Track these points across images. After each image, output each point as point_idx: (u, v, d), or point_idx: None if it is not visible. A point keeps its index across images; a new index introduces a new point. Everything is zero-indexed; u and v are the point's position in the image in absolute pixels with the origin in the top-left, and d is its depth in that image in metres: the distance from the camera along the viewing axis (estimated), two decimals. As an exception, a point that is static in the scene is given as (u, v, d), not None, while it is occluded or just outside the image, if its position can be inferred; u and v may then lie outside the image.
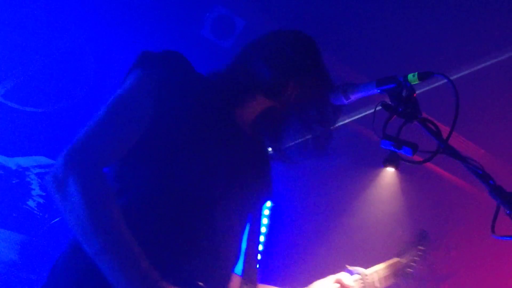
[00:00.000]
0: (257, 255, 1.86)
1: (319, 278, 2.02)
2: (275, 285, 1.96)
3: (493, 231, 1.39)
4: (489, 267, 4.70)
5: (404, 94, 1.54)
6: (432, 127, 1.53)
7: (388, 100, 1.58)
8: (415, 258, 2.22)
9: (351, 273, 1.98)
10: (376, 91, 1.62)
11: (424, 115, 1.54)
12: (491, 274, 4.71)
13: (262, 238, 5.20)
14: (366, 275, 1.97)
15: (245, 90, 1.79)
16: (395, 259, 2.14)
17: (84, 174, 1.43)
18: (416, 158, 1.54)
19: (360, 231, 4.79)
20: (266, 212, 5.31)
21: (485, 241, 4.06)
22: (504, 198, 1.36)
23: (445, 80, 1.55)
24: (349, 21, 3.77)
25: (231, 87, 1.78)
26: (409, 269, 2.18)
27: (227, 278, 1.71)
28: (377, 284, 1.99)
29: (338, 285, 1.91)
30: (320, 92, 1.78)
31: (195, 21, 3.89)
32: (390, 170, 4.77)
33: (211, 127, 1.69)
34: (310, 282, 1.98)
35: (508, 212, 1.35)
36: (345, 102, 1.71)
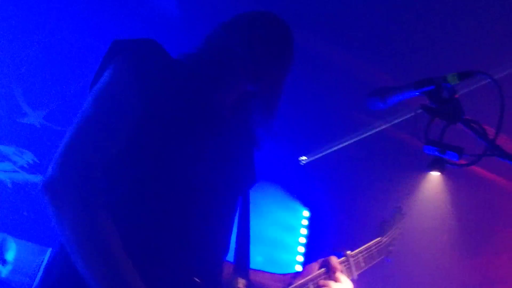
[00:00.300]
0: (248, 240, 1.84)
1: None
2: None
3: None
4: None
5: (444, 95, 1.50)
6: (477, 127, 1.48)
7: (427, 103, 1.54)
8: (395, 236, 2.31)
9: (337, 255, 2.00)
10: (415, 93, 1.58)
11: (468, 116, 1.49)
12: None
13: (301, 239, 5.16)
14: (352, 256, 2.01)
15: (224, 74, 1.78)
16: (378, 239, 2.19)
17: (77, 183, 1.38)
18: (461, 160, 1.50)
19: (408, 238, 4.68)
20: (305, 222, 5.27)
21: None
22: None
23: (488, 80, 1.50)
24: (380, 20, 3.72)
25: (209, 72, 1.76)
26: (391, 247, 2.26)
27: (220, 267, 1.69)
28: (362, 265, 2.03)
29: (323, 269, 1.91)
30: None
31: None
32: (435, 174, 4.68)
33: (193, 115, 1.66)
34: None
35: None
36: (383, 106, 1.68)
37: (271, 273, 1.95)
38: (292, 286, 1.84)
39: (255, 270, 1.88)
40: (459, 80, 1.51)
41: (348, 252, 2.02)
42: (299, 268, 5.12)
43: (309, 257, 5.16)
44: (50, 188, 1.38)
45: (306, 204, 5.28)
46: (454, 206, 4.75)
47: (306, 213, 5.28)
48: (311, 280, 1.85)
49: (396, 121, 4.21)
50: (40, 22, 3.75)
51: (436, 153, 1.48)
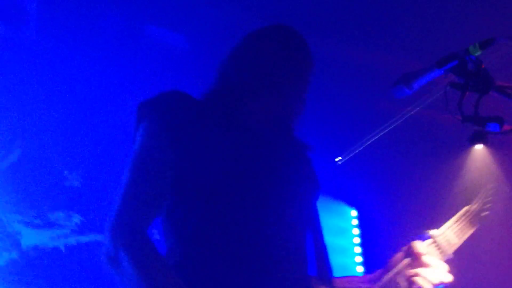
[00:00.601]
0: (325, 250, 1.80)
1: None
2: None
3: None
4: None
5: (470, 68, 1.47)
6: None
7: (455, 79, 1.51)
8: (487, 198, 2.04)
9: (421, 238, 1.84)
10: (440, 72, 1.54)
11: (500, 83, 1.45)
12: None
13: (358, 242, 5.09)
14: (438, 235, 1.84)
15: (247, 103, 1.78)
16: (464, 208, 1.98)
17: (132, 246, 1.45)
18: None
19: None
20: (355, 222, 5.21)
21: None
22: None
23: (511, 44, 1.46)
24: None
25: (232, 99, 1.77)
26: (484, 212, 2.01)
27: (305, 283, 1.67)
28: (454, 241, 1.85)
29: (408, 259, 1.78)
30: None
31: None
32: (479, 147, 4.56)
33: (239, 146, 1.66)
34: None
35: None
36: (410, 92, 1.64)
37: (354, 276, 1.90)
38: (381, 283, 1.76)
39: (338, 278, 1.84)
40: (482, 49, 1.48)
41: (433, 231, 1.86)
42: (360, 269, 5.06)
43: (368, 256, 5.09)
44: (110, 262, 1.47)
45: (352, 204, 5.23)
46: (505, 176, 4.63)
47: (353, 212, 5.23)
48: (398, 273, 1.76)
49: (426, 102, 4.15)
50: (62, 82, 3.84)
51: (476, 127, 1.45)
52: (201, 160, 1.60)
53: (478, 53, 1.48)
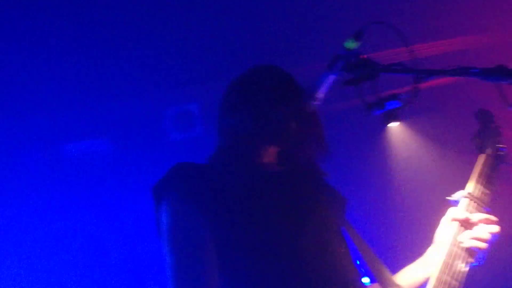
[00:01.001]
0: (375, 255, 1.81)
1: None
2: None
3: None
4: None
5: (354, 61, 1.55)
6: (399, 66, 1.54)
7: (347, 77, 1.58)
8: (497, 138, 2.00)
9: (456, 203, 1.84)
10: (334, 76, 1.61)
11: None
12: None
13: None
14: (471, 193, 1.83)
15: (251, 154, 1.79)
16: (481, 157, 1.96)
17: None
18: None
19: (395, 198, 4.72)
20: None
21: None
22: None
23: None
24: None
25: (240, 156, 1.77)
26: (500, 152, 1.98)
27: None
28: (488, 191, 1.85)
29: (457, 223, 1.77)
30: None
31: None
32: (395, 125, 4.68)
33: (261, 203, 1.68)
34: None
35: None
36: (316, 103, 1.69)
37: (408, 267, 1.89)
38: (443, 260, 1.71)
39: (396, 275, 1.86)
40: (357, 41, 1.56)
41: (462, 192, 1.84)
42: (366, 280, 5.00)
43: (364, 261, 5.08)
44: None
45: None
46: (425, 146, 4.80)
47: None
48: (452, 244, 1.74)
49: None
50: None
51: (381, 111, 1.54)
52: (236, 228, 1.61)
53: (356, 45, 1.55)
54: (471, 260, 1.74)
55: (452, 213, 1.80)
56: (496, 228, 1.76)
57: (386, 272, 1.80)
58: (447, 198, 1.87)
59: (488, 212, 1.82)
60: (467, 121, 2.11)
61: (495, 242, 1.76)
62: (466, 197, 1.83)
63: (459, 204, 1.82)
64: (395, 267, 1.92)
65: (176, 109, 4.11)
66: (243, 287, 1.59)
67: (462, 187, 1.88)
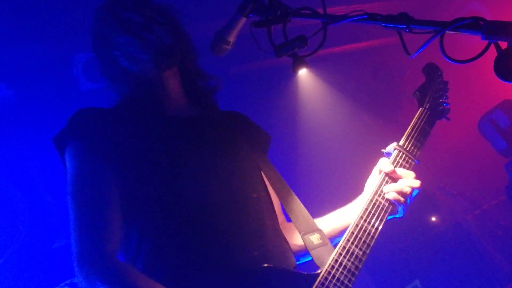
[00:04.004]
0: (292, 194, 1.84)
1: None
2: None
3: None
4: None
5: (265, 3, 1.56)
6: (308, 11, 1.55)
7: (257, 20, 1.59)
8: (441, 93, 2.03)
9: (388, 155, 1.89)
10: (245, 18, 1.61)
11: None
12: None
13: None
14: (402, 145, 1.88)
15: (153, 77, 1.82)
16: (419, 111, 1.99)
17: (104, 275, 1.47)
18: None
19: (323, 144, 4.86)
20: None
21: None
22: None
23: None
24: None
25: (142, 90, 1.81)
26: (441, 107, 2.01)
27: (279, 238, 1.75)
28: (419, 143, 1.90)
29: (383, 174, 1.83)
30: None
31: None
32: (303, 72, 4.76)
33: (165, 138, 1.71)
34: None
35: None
36: (230, 48, 1.71)
37: (334, 211, 1.93)
38: (363, 207, 1.77)
39: (320, 218, 1.89)
40: None
41: (395, 144, 1.89)
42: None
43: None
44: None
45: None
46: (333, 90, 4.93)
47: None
48: (375, 193, 1.80)
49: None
50: None
51: (290, 54, 1.55)
52: (130, 167, 1.63)
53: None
54: (391, 211, 1.81)
55: (380, 164, 1.85)
56: (417, 183, 1.82)
57: (306, 216, 1.83)
58: (382, 150, 1.93)
59: (417, 165, 1.87)
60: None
61: (415, 196, 1.83)
62: (396, 149, 1.89)
63: (391, 157, 1.88)
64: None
65: (87, 56, 3.79)
66: (149, 239, 1.62)
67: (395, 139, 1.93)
